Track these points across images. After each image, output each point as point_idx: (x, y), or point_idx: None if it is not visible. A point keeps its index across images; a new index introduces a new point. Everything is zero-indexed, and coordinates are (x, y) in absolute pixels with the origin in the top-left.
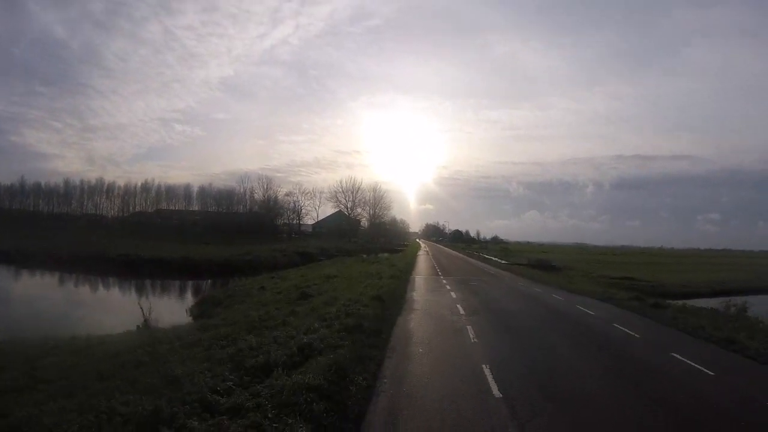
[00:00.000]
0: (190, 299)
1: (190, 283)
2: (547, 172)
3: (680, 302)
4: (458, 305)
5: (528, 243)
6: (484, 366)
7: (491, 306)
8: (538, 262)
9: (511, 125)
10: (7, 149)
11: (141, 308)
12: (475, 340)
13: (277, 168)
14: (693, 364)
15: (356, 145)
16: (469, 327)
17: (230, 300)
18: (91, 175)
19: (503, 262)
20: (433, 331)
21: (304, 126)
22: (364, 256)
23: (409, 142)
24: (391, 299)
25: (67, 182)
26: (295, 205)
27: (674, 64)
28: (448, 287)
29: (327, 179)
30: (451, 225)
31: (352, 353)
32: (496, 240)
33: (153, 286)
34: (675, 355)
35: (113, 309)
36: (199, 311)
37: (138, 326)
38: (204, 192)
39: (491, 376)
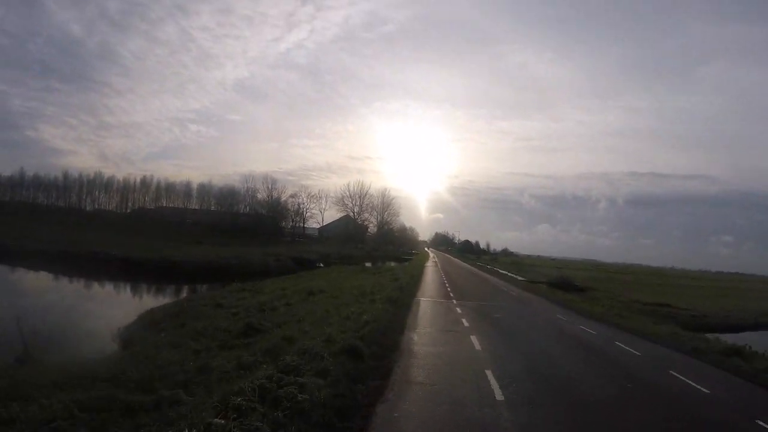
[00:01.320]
0: (135, 312)
1: (152, 287)
2: (560, 185)
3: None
4: (488, 371)
5: (539, 257)
6: None
7: (543, 373)
8: (558, 281)
9: (523, 136)
10: (23, 144)
11: (20, 331)
12: None
13: (290, 171)
14: None
15: (368, 151)
16: None
17: (171, 320)
18: (105, 171)
19: (520, 278)
20: None
21: (316, 130)
22: (368, 264)
23: (420, 150)
24: (377, 350)
25: (66, 175)
26: (299, 208)
27: (690, 81)
28: (464, 322)
29: (338, 184)
30: (460, 235)
31: None
32: (505, 252)
33: (113, 289)
34: None
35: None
36: (127, 335)
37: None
38: (204, 190)
39: None
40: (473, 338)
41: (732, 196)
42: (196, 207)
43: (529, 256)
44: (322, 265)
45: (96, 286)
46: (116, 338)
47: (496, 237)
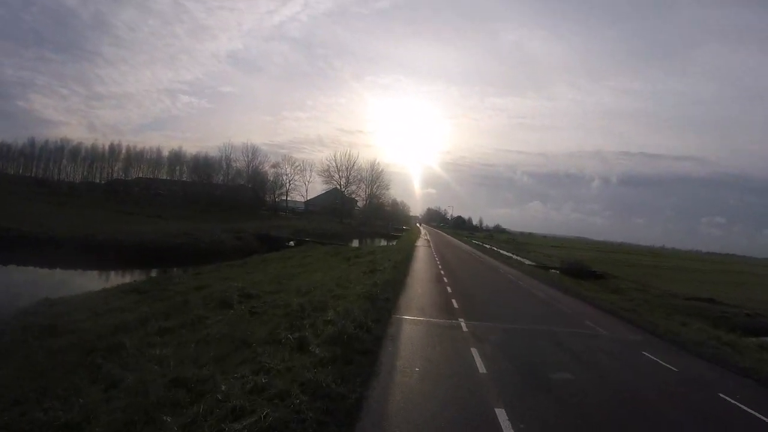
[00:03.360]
0: None
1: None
2: (552, 163)
3: None
4: None
5: (530, 234)
6: None
7: None
8: (573, 267)
9: (516, 114)
10: (14, 114)
11: None
12: None
13: (281, 144)
14: None
15: (360, 125)
16: None
17: None
18: (85, 140)
19: (528, 263)
20: None
21: (308, 103)
22: (354, 242)
23: (412, 125)
24: None
25: (33, 143)
26: (281, 179)
27: (683, 63)
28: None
29: (330, 157)
30: (453, 211)
31: None
32: (498, 229)
33: None
34: None
35: None
36: None
37: None
38: (176, 159)
39: None
40: None
41: (723, 178)
42: (167, 177)
43: (521, 234)
44: (292, 244)
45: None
46: None
47: (487, 213)
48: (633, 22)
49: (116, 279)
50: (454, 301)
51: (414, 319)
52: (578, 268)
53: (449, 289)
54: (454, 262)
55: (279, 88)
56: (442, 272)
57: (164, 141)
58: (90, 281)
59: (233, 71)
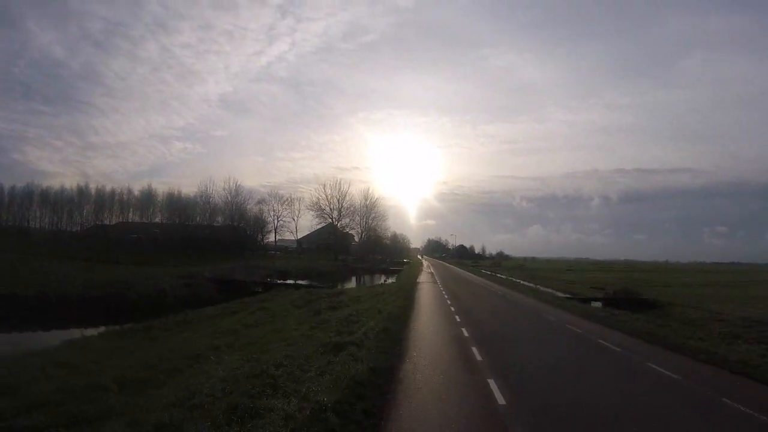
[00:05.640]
0: None
1: None
2: (548, 186)
3: None
4: None
5: (533, 258)
6: None
7: None
8: (621, 296)
9: (509, 139)
10: (9, 167)
11: None
12: None
13: (277, 185)
14: None
15: (355, 161)
16: None
17: None
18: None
19: (561, 295)
20: None
21: (302, 143)
22: (350, 282)
23: (407, 158)
24: None
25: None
26: (266, 216)
27: (670, 74)
28: None
29: (319, 189)
30: (455, 240)
31: None
32: (501, 255)
33: None
34: None
35: None
36: None
37: None
38: (148, 198)
39: None
40: None
41: (720, 186)
42: (146, 221)
43: (525, 259)
44: (260, 290)
45: None
46: None
47: (489, 240)
48: (618, 37)
49: None
50: None
51: None
52: (627, 298)
53: (499, 397)
54: (475, 308)
55: (271, 128)
56: (465, 333)
57: (161, 188)
58: None
59: (224, 114)
